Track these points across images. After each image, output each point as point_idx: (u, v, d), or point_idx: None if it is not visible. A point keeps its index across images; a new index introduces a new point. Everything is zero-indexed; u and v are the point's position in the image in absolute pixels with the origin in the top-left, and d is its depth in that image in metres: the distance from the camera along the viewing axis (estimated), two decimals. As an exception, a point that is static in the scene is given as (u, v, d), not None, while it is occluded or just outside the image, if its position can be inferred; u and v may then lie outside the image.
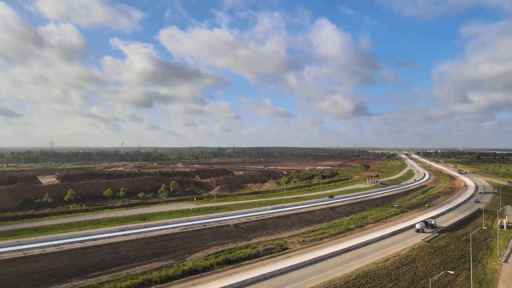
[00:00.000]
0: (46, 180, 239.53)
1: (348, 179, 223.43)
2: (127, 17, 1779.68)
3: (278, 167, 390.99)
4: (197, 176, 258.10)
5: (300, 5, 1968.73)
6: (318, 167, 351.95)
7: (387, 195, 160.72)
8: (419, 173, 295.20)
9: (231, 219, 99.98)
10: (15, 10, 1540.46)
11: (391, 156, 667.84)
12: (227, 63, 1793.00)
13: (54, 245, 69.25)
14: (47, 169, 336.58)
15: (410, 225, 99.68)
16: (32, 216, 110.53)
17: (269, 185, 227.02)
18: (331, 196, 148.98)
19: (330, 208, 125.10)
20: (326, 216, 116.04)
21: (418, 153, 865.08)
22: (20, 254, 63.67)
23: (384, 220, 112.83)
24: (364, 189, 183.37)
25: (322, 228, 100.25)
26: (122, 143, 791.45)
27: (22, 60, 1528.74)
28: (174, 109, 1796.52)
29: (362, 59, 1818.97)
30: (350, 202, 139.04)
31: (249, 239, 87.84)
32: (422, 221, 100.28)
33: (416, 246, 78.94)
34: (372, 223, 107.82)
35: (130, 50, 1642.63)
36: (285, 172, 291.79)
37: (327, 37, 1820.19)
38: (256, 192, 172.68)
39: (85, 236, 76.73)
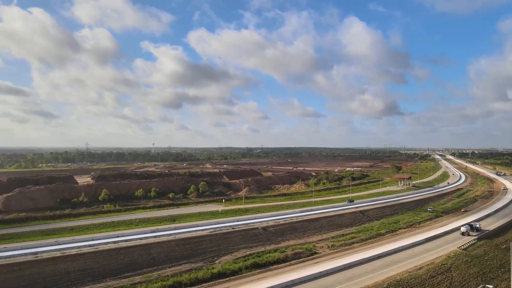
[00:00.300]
0: (82, 179, 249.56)
1: (379, 181, 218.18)
2: (157, 20, 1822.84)
3: (306, 168, 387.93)
4: (225, 177, 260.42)
5: (329, 4, 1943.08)
6: (347, 168, 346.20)
7: (420, 199, 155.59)
8: (455, 175, 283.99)
9: (260, 222, 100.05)
10: (53, 16, 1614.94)
11: (424, 157, 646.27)
12: (255, 63, 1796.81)
13: (89, 245, 71.88)
14: (83, 168, 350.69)
15: (445, 231, 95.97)
16: (69, 215, 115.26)
17: (297, 186, 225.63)
18: (351, 201, 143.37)
19: (360, 211, 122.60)
20: (356, 220, 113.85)
21: (453, 154, 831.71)
22: (58, 254, 66.50)
23: (417, 225, 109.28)
24: (396, 191, 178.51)
25: (352, 233, 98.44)
26: (153, 144, 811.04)
27: (60, 64, 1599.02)
28: (203, 110, 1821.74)
29: (393, 57, 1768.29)
30: (381, 205, 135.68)
31: (277, 242, 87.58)
32: (467, 224, 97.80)
33: (452, 254, 75.83)
34: (404, 228, 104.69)
35: (160, 53, 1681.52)
36: (314, 174, 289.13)
37: (357, 36, 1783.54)
38: (285, 194, 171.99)
39: (118, 237, 79.14)
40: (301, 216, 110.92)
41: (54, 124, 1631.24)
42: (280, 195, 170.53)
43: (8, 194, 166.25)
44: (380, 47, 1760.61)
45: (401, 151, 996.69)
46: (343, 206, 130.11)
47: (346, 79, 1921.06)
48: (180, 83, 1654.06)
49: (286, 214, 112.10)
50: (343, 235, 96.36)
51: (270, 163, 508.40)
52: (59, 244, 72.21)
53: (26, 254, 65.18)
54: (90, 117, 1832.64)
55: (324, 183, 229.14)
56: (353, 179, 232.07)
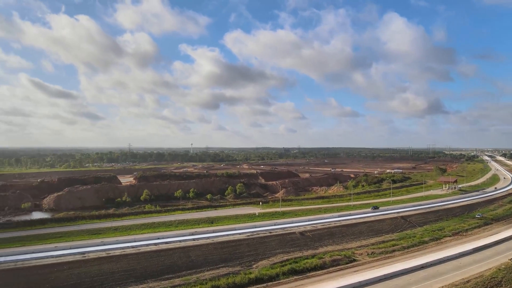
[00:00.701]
0: (125, 179, 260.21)
1: (422, 184, 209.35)
2: (194, 23, 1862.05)
3: (344, 169, 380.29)
4: (262, 178, 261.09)
5: (367, 0, 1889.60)
6: (387, 170, 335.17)
7: (467, 204, 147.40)
8: (506, 179, 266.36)
9: (297, 226, 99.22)
10: (97, 22, 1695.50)
11: (471, 158, 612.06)
12: (291, 63, 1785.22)
13: (132, 247, 74.64)
14: (126, 169, 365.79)
15: (495, 241, 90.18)
16: (113, 215, 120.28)
17: (335, 189, 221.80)
18: (375, 207, 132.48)
19: (402, 217, 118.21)
20: (397, 226, 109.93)
21: (504, 155, 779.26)
22: (104, 254, 69.64)
23: (464, 233, 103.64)
24: (440, 196, 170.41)
25: (392, 240, 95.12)
26: (192, 144, 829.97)
27: (104, 68, 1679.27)
28: (240, 110, 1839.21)
29: (437, 53, 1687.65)
30: (424, 210, 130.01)
31: (315, 248, 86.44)
32: None
33: (503, 266, 71.05)
34: (450, 236, 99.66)
35: (198, 55, 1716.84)
36: (352, 175, 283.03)
37: (397, 32, 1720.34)
38: (322, 197, 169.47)
39: (159, 239, 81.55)
40: (339, 220, 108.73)
41: (99, 125, 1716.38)
42: (317, 198, 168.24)
43: (59, 193, 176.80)
44: (422, 43, 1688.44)
45: (446, 152, 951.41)
46: (382, 211, 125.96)
47: (386, 77, 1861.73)
48: (217, 84, 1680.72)
49: (324, 219, 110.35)
50: (383, 242, 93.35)
51: (307, 163, 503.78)
52: (104, 245, 75.56)
53: (74, 254, 68.80)
54: (132, 118, 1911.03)
55: (363, 186, 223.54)
56: (394, 181, 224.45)
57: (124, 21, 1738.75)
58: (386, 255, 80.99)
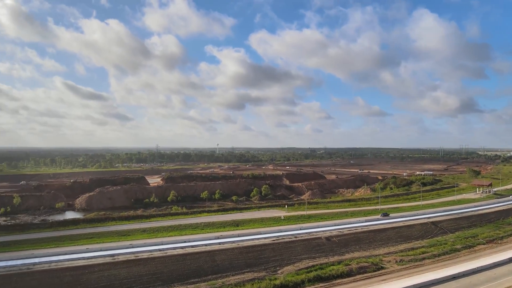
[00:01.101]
0: (153, 180, 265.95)
1: (454, 187, 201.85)
2: (220, 24, 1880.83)
3: (371, 171, 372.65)
4: (288, 180, 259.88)
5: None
6: (417, 172, 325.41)
7: (503, 209, 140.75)
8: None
9: (323, 231, 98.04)
10: (126, 26, 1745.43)
11: (507, 159, 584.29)
12: (317, 63, 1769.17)
13: (159, 250, 76.14)
14: (153, 169, 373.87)
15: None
16: (141, 217, 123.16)
17: (362, 191, 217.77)
18: (385, 214, 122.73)
19: (432, 222, 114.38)
20: (427, 232, 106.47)
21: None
22: (132, 257, 71.37)
23: (499, 241, 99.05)
24: (473, 200, 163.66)
25: (422, 246, 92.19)
26: (218, 144, 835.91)
27: (133, 70, 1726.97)
28: (265, 110, 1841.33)
29: (471, 50, 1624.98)
30: (456, 216, 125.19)
31: (341, 254, 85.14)
32: None
33: (542, 278, 67.38)
34: (483, 244, 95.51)
35: (223, 56, 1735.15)
36: (380, 177, 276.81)
37: (427, 29, 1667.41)
38: (349, 200, 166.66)
39: (185, 242, 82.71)
40: (367, 225, 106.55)
41: (128, 126, 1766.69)
42: (344, 201, 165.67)
43: (90, 194, 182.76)
44: (454, 40, 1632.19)
45: (480, 153, 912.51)
46: (412, 216, 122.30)
47: (415, 76, 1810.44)
48: (243, 84, 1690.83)
49: (351, 223, 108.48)
50: (412, 248, 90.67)
51: (333, 164, 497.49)
52: (133, 247, 77.43)
53: (104, 256, 70.93)
54: (159, 118, 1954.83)
55: (391, 188, 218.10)
56: (424, 184, 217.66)
57: (152, 24, 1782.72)
58: (416, 263, 78.60)
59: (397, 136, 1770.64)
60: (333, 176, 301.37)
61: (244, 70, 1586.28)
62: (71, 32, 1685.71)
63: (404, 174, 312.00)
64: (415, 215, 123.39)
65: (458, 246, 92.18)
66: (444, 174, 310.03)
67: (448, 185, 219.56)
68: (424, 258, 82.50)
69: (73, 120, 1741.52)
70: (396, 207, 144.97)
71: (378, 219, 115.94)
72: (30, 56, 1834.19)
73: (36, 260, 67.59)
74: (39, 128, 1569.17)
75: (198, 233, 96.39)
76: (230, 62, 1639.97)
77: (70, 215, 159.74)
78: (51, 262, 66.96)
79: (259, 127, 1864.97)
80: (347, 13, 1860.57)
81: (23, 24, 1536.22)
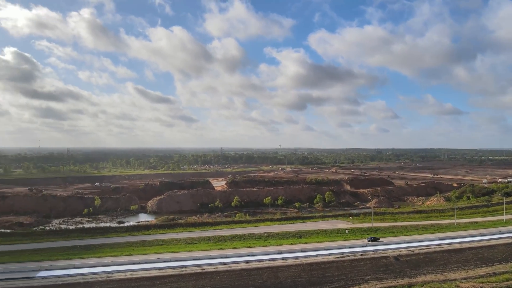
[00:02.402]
0: (217, 183, 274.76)
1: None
2: (279, 26, 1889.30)
3: (444, 176, 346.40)
4: (352, 185, 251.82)
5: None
6: (499, 179, 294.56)
7: None
8: None
9: (391, 248, 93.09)
10: (189, 32, 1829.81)
11: None
12: (381, 60, 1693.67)
13: (224, 263, 78.16)
14: (218, 171, 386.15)
15: None
16: (207, 224, 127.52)
17: (435, 200, 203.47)
18: (373, 239, 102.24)
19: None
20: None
21: None
22: (199, 270, 74.13)
23: None
24: None
25: (507, 272, 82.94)
26: (280, 145, 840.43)
27: (196, 74, 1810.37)
28: (327, 111, 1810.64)
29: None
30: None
31: (412, 276, 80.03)
32: None
33: None
34: None
35: (283, 57, 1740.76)
36: (455, 185, 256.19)
37: (508, 18, 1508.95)
38: (419, 211, 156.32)
39: (249, 256, 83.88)
40: (440, 244, 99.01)
41: (194, 127, 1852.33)
42: (413, 212, 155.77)
43: (160, 197, 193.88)
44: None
45: None
46: (494, 234, 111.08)
47: (494, 70, 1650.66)
48: (303, 84, 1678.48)
49: (422, 241, 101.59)
50: (495, 274, 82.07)
51: (401, 167, 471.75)
52: (199, 259, 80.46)
53: (173, 267, 74.60)
54: (222, 120, 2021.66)
55: (468, 198, 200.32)
56: (507, 194, 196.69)
57: (213, 29, 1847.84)
58: (499, 293, 71.19)
59: (475, 136, 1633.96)
60: (401, 182, 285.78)
61: (304, 70, 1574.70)
62: (140, 40, 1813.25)
63: (484, 181, 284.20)
64: (496, 233, 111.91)
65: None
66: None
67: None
68: (508, 287, 74.39)
69: (144, 122, 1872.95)
70: (473, 222, 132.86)
71: (452, 237, 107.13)
72: (105, 64, 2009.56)
73: (114, 268, 73.22)
74: (116, 130, 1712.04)
75: (261, 245, 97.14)
76: (290, 63, 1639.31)
77: (143, 217, 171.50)
78: (127, 271, 72.08)
79: (322, 127, 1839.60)
80: (412, 6, 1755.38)
81: (99, 36, 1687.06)
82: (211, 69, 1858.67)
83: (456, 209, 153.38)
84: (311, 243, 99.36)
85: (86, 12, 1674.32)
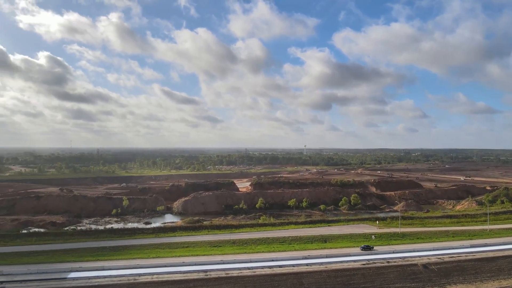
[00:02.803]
0: (242, 184, 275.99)
1: None
2: (303, 25, 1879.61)
3: (476, 178, 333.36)
4: (379, 188, 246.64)
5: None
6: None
7: None
8: None
9: (419, 256, 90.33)
10: (213, 33, 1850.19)
11: None
12: (409, 58, 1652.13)
13: (248, 268, 78.31)
14: (242, 172, 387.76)
15: None
16: (231, 226, 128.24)
17: (466, 204, 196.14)
18: (367, 247, 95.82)
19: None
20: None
21: None
22: (223, 274, 74.70)
23: None
24: None
25: (544, 283, 79.07)
26: (305, 145, 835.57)
27: (221, 75, 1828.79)
28: (353, 110, 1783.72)
29: None
30: None
31: (441, 285, 77.50)
32: None
33: None
34: None
35: (307, 56, 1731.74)
36: (488, 188, 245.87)
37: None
38: (450, 216, 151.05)
39: (273, 261, 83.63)
40: (472, 252, 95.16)
41: (219, 127, 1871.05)
42: (443, 217, 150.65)
43: (186, 199, 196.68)
44: None
45: None
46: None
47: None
48: (328, 84, 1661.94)
49: (452, 248, 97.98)
50: (531, 285, 78.37)
51: (431, 169, 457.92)
52: (223, 263, 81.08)
53: (198, 271, 75.54)
54: (247, 120, 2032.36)
55: (502, 202, 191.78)
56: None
57: (237, 30, 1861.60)
58: (536, 306, 67.78)
59: (510, 136, 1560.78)
60: (430, 184, 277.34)
61: (329, 70, 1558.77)
62: (166, 43, 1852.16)
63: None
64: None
65: None
66: None
67: None
68: (546, 299, 70.78)
69: (170, 123, 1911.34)
70: (508, 228, 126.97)
71: (485, 244, 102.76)
72: (133, 67, 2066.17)
73: (141, 271, 74.92)
74: (143, 131, 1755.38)
75: (285, 249, 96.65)
76: (315, 63, 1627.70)
77: (168, 218, 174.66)
78: (153, 274, 73.55)
79: (347, 127, 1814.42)
80: (441, 2, 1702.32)
81: (126, 39, 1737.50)
82: (235, 70, 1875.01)
83: (489, 214, 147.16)
84: (336, 248, 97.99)
85: (114, 16, 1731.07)
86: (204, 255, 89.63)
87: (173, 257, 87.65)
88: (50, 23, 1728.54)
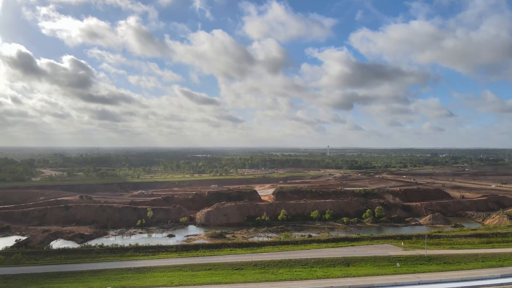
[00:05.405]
0: (264, 191, 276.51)
1: None
2: (319, 26, 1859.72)
3: (507, 186, 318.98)
4: (403, 199, 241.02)
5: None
6: None
7: None
8: None
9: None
10: (230, 35, 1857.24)
11: None
12: (431, 57, 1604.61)
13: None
14: (265, 177, 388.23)
15: None
16: (253, 245, 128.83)
17: (496, 219, 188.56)
18: None
19: None
20: None
21: None
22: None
23: None
24: None
25: None
26: (328, 146, 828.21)
27: (239, 76, 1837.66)
28: (376, 110, 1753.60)
29: None
30: None
31: (469, 323, 74.85)
32: None
33: None
34: None
35: (325, 56, 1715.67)
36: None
37: None
38: (479, 235, 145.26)
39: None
40: (502, 284, 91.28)
41: (240, 127, 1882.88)
42: (472, 235, 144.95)
43: (208, 209, 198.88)
44: None
45: None
46: None
47: None
48: (349, 84, 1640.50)
49: (481, 279, 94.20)
50: None
51: (459, 173, 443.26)
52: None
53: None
54: (268, 120, 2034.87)
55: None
56: None
57: (252, 32, 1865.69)
58: None
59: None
60: (458, 193, 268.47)
61: (349, 70, 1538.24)
62: (184, 45, 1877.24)
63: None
64: None
65: None
66: None
67: None
68: None
69: (192, 123, 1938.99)
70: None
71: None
72: (152, 69, 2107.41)
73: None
74: (166, 131, 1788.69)
75: (307, 276, 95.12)
76: (333, 62, 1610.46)
77: (191, 229, 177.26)
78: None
79: (370, 126, 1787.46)
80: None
81: (145, 43, 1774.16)
82: (253, 71, 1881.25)
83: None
84: (359, 276, 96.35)
85: (132, 20, 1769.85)
86: (226, 283, 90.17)
87: (195, 285, 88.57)
88: (71, 29, 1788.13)
